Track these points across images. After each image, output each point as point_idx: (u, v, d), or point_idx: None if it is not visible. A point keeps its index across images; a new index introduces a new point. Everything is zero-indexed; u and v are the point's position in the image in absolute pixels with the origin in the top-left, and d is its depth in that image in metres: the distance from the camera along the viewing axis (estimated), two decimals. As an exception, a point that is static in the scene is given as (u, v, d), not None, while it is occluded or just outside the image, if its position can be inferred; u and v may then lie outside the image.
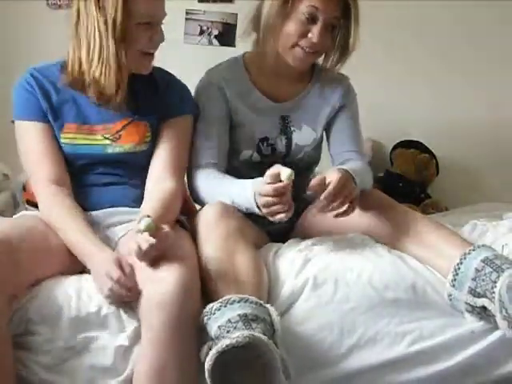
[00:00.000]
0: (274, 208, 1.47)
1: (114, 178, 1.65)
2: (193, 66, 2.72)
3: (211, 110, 1.76)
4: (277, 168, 1.47)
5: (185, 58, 2.80)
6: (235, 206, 1.59)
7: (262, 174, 1.74)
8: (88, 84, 1.59)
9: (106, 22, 1.51)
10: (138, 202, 1.59)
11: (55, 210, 1.53)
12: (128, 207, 1.62)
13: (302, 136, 1.83)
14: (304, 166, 1.88)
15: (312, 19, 1.66)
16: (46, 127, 1.61)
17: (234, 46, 2.86)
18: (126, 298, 1.37)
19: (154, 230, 1.34)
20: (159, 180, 1.61)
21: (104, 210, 1.61)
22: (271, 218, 1.50)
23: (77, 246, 1.47)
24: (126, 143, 1.63)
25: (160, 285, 1.31)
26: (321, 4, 1.64)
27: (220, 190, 1.64)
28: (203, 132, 1.75)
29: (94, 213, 1.60)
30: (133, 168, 1.65)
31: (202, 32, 2.89)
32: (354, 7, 1.67)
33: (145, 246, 1.32)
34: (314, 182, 1.49)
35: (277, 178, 1.45)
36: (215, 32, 2.88)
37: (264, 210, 1.49)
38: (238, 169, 1.79)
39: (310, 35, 1.67)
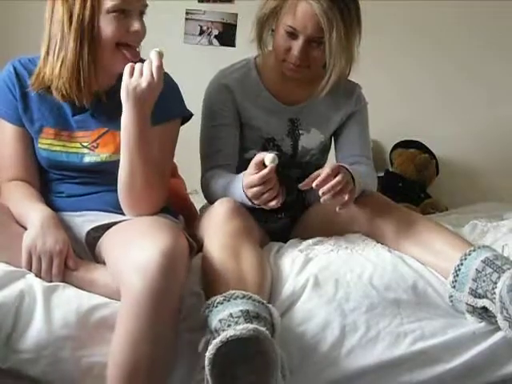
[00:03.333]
0: (264, 197, 1.49)
1: (91, 187, 1.62)
2: (193, 66, 2.75)
3: (220, 112, 1.78)
4: (260, 155, 1.49)
5: (185, 58, 2.80)
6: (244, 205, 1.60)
7: None
8: (48, 82, 1.53)
9: (71, 16, 1.46)
10: (116, 207, 1.57)
11: (14, 194, 1.54)
12: (105, 212, 1.59)
13: (310, 139, 1.84)
14: (311, 171, 1.89)
15: (293, 36, 1.67)
16: (19, 130, 1.58)
17: (234, 46, 2.87)
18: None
19: None
20: None
21: (80, 212, 1.59)
22: (265, 207, 1.52)
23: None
24: (102, 153, 1.59)
25: (143, 251, 1.30)
26: (297, 25, 1.65)
27: (224, 186, 1.66)
28: (212, 135, 1.78)
29: (67, 213, 1.58)
30: (110, 176, 1.60)
31: (202, 32, 2.89)
32: (330, 31, 1.63)
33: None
34: (310, 177, 1.52)
35: (261, 166, 1.48)
36: (215, 32, 2.89)
37: (255, 202, 1.51)
38: (244, 167, 1.79)
39: (292, 50, 1.69)
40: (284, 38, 1.68)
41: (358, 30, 1.70)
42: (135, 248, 1.33)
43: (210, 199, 1.71)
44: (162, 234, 1.34)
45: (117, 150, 1.56)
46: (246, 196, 1.53)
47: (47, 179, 1.63)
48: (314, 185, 1.50)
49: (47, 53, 1.51)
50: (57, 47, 1.49)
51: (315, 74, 1.78)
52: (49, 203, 1.57)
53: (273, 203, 1.50)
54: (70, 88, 1.51)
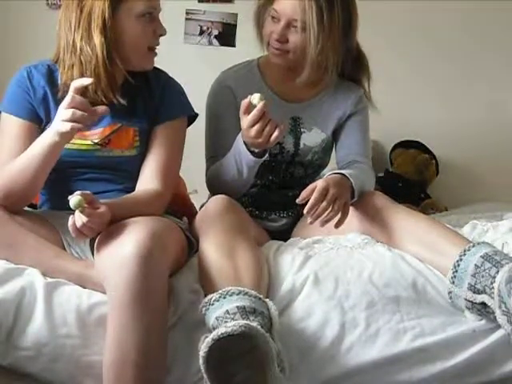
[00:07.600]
0: (267, 129, 1.53)
1: (102, 185, 1.62)
2: (193, 66, 2.75)
3: (223, 115, 1.81)
4: (245, 100, 1.55)
5: (185, 58, 2.81)
6: (238, 202, 1.62)
7: (270, 172, 1.81)
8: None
9: (90, 19, 1.48)
10: None
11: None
12: None
13: (311, 137, 1.86)
14: (313, 169, 1.92)
15: (276, 20, 1.72)
16: (30, 126, 1.57)
17: (234, 46, 2.88)
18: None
19: (83, 206, 1.32)
20: (144, 183, 1.60)
21: None
22: (270, 144, 1.56)
23: None
24: (115, 148, 1.61)
25: (117, 246, 1.32)
26: (279, 8, 1.71)
27: (225, 158, 1.70)
28: (216, 137, 1.82)
29: None
30: (121, 174, 1.63)
31: (202, 32, 2.90)
32: (310, 13, 1.68)
33: (79, 224, 1.32)
34: (303, 193, 1.55)
35: (250, 108, 1.54)
36: (215, 32, 2.89)
37: (259, 141, 1.55)
38: None
39: (272, 34, 1.73)
40: (269, 22, 1.74)
41: (344, 16, 1.72)
42: (111, 244, 1.34)
43: (214, 186, 1.75)
44: (137, 227, 1.35)
45: (129, 146, 1.61)
46: (248, 149, 1.58)
47: (58, 178, 1.61)
48: (304, 212, 1.53)
49: (63, 58, 1.54)
50: (77, 51, 1.51)
51: (298, 61, 1.77)
52: (59, 203, 1.56)
53: (276, 133, 1.53)
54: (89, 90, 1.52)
